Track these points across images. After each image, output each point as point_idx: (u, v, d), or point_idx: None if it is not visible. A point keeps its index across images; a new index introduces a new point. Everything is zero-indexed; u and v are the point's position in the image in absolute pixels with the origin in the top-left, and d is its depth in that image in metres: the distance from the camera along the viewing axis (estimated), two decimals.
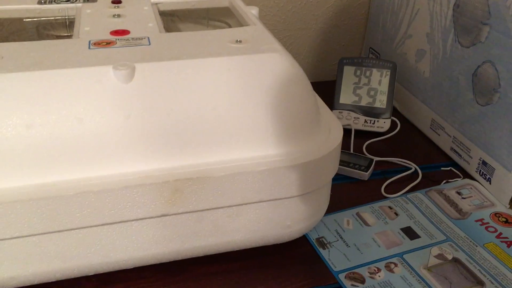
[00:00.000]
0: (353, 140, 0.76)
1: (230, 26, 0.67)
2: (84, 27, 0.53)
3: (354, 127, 0.78)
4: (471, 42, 0.65)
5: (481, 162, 0.66)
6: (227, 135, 0.46)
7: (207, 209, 0.47)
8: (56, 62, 0.45)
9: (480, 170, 0.66)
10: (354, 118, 0.78)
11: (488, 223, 0.59)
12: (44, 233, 0.44)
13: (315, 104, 0.50)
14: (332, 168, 0.51)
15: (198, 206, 0.46)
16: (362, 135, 0.78)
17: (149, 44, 0.49)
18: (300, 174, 0.48)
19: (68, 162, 0.43)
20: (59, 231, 0.44)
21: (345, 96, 0.79)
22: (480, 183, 0.66)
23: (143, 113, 0.44)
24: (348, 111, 0.78)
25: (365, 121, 0.78)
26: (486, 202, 0.63)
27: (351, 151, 0.73)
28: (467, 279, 0.51)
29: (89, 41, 0.49)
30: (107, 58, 0.46)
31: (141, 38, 0.50)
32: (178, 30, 0.68)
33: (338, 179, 0.67)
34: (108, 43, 0.49)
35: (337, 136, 0.51)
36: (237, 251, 0.53)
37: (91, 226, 0.45)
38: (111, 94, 0.44)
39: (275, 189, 0.48)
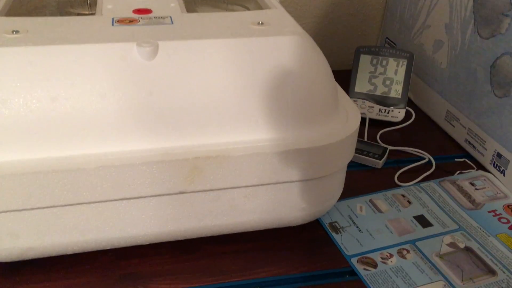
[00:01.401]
0: (367, 128, 0.76)
1: (249, 10, 0.67)
2: (107, 5, 0.53)
3: (368, 116, 0.78)
4: (491, 33, 0.65)
5: (495, 154, 0.66)
6: (248, 116, 0.46)
7: (224, 188, 0.48)
8: (81, 37, 0.45)
9: (495, 162, 0.66)
10: (369, 107, 0.78)
11: (500, 214, 0.60)
12: (65, 205, 0.44)
13: (334, 89, 0.51)
14: (349, 153, 0.52)
15: (215, 185, 0.47)
16: (376, 124, 0.78)
17: (172, 23, 0.49)
18: (317, 157, 0.48)
19: (90, 136, 0.43)
20: (79, 204, 0.45)
21: (361, 85, 0.79)
22: (494, 175, 0.66)
23: (165, 91, 0.44)
24: (363, 100, 0.78)
25: (380, 110, 0.78)
26: (500, 193, 0.63)
27: (365, 139, 0.74)
28: (479, 267, 0.52)
29: (112, 19, 0.50)
30: (131, 35, 0.46)
31: (163, 17, 0.51)
32: (198, 12, 0.68)
33: (352, 166, 0.67)
34: (131, 21, 0.49)
35: (355, 122, 0.52)
36: (251, 232, 0.54)
37: (110, 200, 0.45)
38: (134, 70, 0.44)
39: (292, 171, 0.48)
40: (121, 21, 0.49)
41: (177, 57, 0.45)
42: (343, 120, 0.51)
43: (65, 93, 0.43)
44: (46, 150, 0.43)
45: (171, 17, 0.51)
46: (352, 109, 0.54)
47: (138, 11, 0.52)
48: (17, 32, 0.45)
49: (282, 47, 0.47)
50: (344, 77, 0.83)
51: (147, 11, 0.52)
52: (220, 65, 0.46)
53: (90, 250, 0.49)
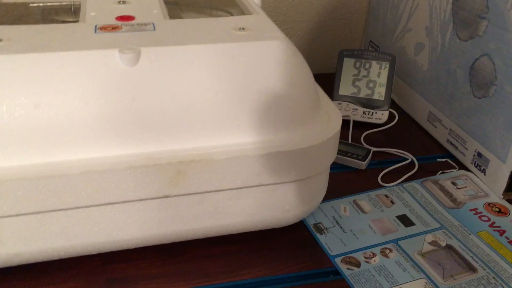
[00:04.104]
0: (351, 130, 0.77)
1: (232, 15, 0.68)
2: (90, 12, 0.54)
3: (352, 118, 0.79)
4: (469, 35, 0.67)
5: (476, 153, 0.67)
6: (230, 120, 0.47)
7: (209, 192, 0.48)
8: (63, 44, 0.46)
9: (475, 162, 0.67)
10: (353, 109, 0.79)
11: (481, 212, 0.61)
12: (49, 211, 0.45)
13: (315, 92, 0.52)
14: (331, 154, 0.52)
15: (199, 188, 0.47)
16: (360, 126, 0.79)
17: (154, 29, 0.50)
18: (300, 159, 0.49)
19: (74, 142, 0.44)
20: (64, 209, 0.45)
21: (344, 88, 0.80)
22: (475, 174, 0.68)
23: (148, 96, 0.45)
24: (347, 103, 0.80)
25: (364, 112, 0.79)
26: (480, 192, 0.64)
27: (349, 141, 0.75)
28: (460, 265, 0.53)
29: (95, 26, 0.50)
30: (113, 42, 0.47)
31: (146, 24, 0.51)
32: (181, 18, 0.69)
33: (336, 168, 0.68)
34: (114, 28, 0.50)
35: (336, 124, 0.53)
36: (236, 234, 0.55)
37: (95, 205, 0.46)
38: (117, 77, 0.45)
39: (275, 174, 0.49)
40: (104, 28, 0.50)
41: (159, 63, 0.46)
42: (325, 122, 0.52)
43: (48, 100, 0.43)
44: (30, 156, 0.43)
45: (153, 24, 0.51)
46: (334, 111, 0.55)
47: (121, 18, 0.53)
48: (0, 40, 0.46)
49: (263, 52, 0.48)
50: (328, 81, 0.84)
51: (130, 18, 0.53)
52: (202, 70, 0.46)
53: (76, 255, 0.49)
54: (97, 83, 0.44)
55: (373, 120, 0.79)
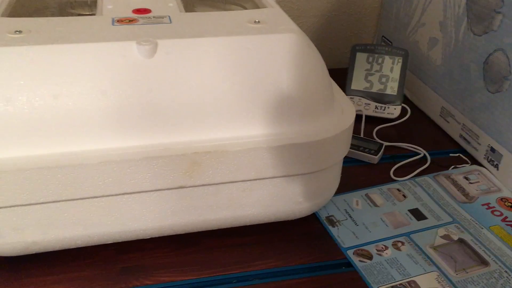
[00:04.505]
0: (363, 125, 0.77)
1: (246, 9, 0.68)
2: (107, 5, 0.55)
3: (365, 112, 0.79)
4: (484, 30, 0.66)
5: (489, 148, 0.67)
6: (244, 112, 0.48)
7: (223, 183, 0.49)
8: (82, 36, 0.46)
9: (488, 157, 0.67)
10: (365, 104, 0.79)
11: (494, 207, 0.61)
12: (68, 200, 0.46)
13: (329, 84, 0.52)
14: (344, 147, 0.53)
15: (214, 179, 0.48)
16: (373, 120, 0.79)
17: (170, 22, 0.51)
18: (313, 152, 0.49)
19: (92, 132, 0.45)
20: (81, 199, 0.46)
21: (357, 82, 0.80)
22: (488, 169, 0.67)
23: (164, 88, 0.46)
24: (359, 97, 0.80)
25: (376, 107, 0.79)
26: (493, 187, 0.64)
27: (362, 135, 0.75)
28: (472, 258, 0.53)
29: (113, 18, 0.51)
30: (131, 34, 0.47)
31: (162, 17, 0.52)
32: (195, 11, 0.70)
33: (348, 162, 0.69)
34: (131, 21, 0.51)
35: (350, 117, 0.53)
36: (249, 226, 0.55)
37: (112, 195, 0.47)
38: (134, 68, 0.45)
39: (289, 166, 0.49)
40: (121, 21, 0.50)
41: (175, 55, 0.46)
42: (339, 115, 0.53)
43: (67, 91, 0.44)
44: (49, 146, 0.44)
45: (169, 17, 0.52)
46: (347, 105, 0.55)
47: (138, 11, 0.53)
48: (20, 32, 0.46)
49: (278, 45, 0.48)
50: (341, 76, 0.84)
51: (146, 11, 0.54)
52: (217, 62, 0.47)
53: (92, 244, 0.50)
54: (115, 74, 0.45)
55: (386, 115, 0.79)
